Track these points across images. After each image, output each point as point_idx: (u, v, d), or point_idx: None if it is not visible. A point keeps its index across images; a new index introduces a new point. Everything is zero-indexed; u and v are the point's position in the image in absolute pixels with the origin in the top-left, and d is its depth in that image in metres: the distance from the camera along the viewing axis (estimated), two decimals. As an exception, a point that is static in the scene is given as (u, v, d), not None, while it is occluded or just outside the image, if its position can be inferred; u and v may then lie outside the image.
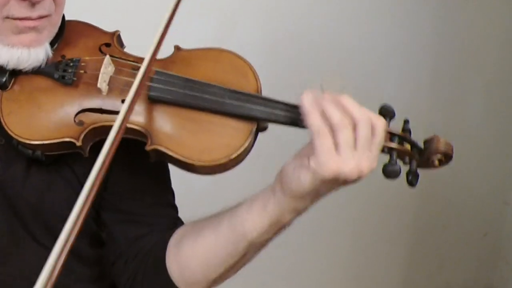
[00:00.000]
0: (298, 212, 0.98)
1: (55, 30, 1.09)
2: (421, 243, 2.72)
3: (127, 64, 1.07)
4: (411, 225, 2.67)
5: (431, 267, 2.77)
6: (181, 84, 1.03)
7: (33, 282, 1.16)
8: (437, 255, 2.76)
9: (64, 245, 0.86)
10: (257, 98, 1.02)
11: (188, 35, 2.10)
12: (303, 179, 0.92)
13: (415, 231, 2.69)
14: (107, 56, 1.06)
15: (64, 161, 1.10)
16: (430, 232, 2.72)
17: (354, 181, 0.93)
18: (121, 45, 1.14)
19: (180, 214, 1.21)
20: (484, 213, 2.78)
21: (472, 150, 2.65)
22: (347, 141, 0.90)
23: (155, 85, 1.03)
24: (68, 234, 0.86)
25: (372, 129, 0.92)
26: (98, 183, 0.88)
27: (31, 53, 1.04)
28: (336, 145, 0.90)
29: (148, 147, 1.01)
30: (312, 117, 0.92)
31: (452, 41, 2.52)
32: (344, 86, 2.61)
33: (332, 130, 0.91)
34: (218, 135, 1.01)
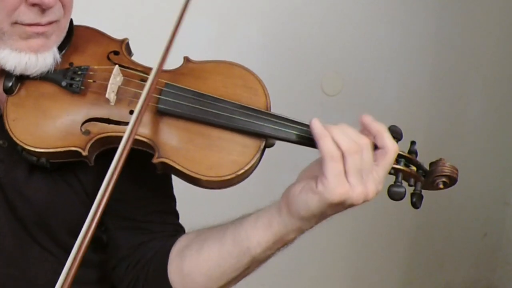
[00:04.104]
0: (303, 231, 1.00)
1: (63, 34, 1.08)
2: (421, 243, 2.72)
3: (135, 74, 1.07)
4: (411, 224, 2.67)
5: (431, 267, 2.77)
6: (191, 98, 1.02)
7: (35, 284, 1.16)
8: (437, 255, 2.76)
9: (76, 255, 0.89)
10: (267, 115, 1.01)
11: (189, 35, 2.10)
12: (310, 202, 0.93)
13: (415, 231, 2.69)
14: (116, 67, 1.05)
15: (68, 168, 1.10)
16: (430, 232, 2.72)
17: (360, 204, 0.94)
18: (129, 53, 1.13)
19: (182, 219, 1.21)
20: (484, 213, 2.78)
21: (472, 150, 2.65)
22: (357, 166, 0.91)
23: (164, 97, 1.02)
24: (79, 245, 0.90)
25: (385, 152, 0.93)
26: (107, 196, 0.91)
27: (39, 58, 1.03)
28: (345, 171, 0.91)
29: (156, 160, 1.01)
30: (325, 141, 0.92)
31: (452, 41, 2.52)
32: (344, 86, 2.62)
33: (342, 155, 0.91)
34: (226, 151, 1.01)
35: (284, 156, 1.67)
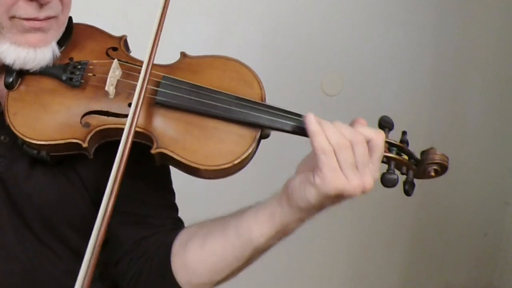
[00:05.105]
0: (303, 221, 1.03)
1: (61, 30, 1.09)
2: (421, 243, 2.73)
3: (134, 68, 1.09)
4: (411, 224, 2.67)
5: (431, 267, 2.77)
6: (188, 90, 1.05)
7: (36, 280, 1.16)
8: (437, 255, 2.77)
9: (90, 259, 0.92)
10: (262, 106, 1.04)
11: (188, 34, 2.11)
12: (309, 195, 0.97)
13: (415, 231, 2.69)
14: (115, 60, 1.08)
15: (68, 162, 1.11)
16: (430, 232, 2.72)
17: (359, 195, 0.97)
18: (127, 49, 1.15)
19: (181, 214, 1.21)
20: (484, 213, 2.78)
21: (472, 150, 2.65)
22: (348, 160, 0.95)
23: (162, 89, 1.05)
24: (93, 247, 0.93)
25: (373, 143, 0.96)
26: (115, 191, 0.95)
27: (38, 53, 1.05)
28: (339, 164, 0.95)
29: (154, 151, 1.03)
30: (319, 137, 0.95)
31: (452, 41, 2.53)
32: (344, 86, 2.62)
33: (334, 150, 0.95)
34: (223, 141, 1.04)
35: (282, 148, 1.67)
